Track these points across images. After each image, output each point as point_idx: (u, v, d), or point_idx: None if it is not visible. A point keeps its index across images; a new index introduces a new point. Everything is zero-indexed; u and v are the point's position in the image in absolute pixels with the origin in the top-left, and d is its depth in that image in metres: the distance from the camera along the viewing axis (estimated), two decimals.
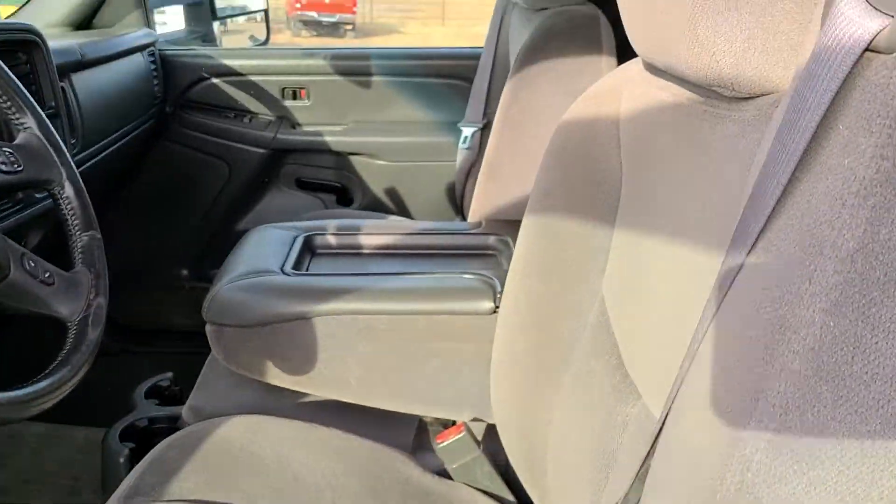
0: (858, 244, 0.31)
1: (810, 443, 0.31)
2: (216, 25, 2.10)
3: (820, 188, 0.33)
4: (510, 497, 0.93)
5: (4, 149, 0.73)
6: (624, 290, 0.63)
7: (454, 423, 1.01)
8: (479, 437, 0.99)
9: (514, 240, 0.79)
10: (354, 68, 1.80)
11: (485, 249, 1.24)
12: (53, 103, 1.18)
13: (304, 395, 1.07)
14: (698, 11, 0.45)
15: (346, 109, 1.81)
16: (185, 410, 1.07)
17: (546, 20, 1.23)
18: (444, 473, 0.92)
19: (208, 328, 1.04)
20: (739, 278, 0.38)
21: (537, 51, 1.21)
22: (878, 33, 0.31)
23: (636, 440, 0.57)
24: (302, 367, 1.02)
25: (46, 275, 0.71)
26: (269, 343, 1.01)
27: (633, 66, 0.68)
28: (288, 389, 1.05)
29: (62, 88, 1.22)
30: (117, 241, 1.44)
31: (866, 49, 0.32)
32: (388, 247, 1.24)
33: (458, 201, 1.65)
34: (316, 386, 1.04)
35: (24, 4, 1.56)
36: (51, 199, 0.80)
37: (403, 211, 1.85)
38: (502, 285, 0.90)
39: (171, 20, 2.02)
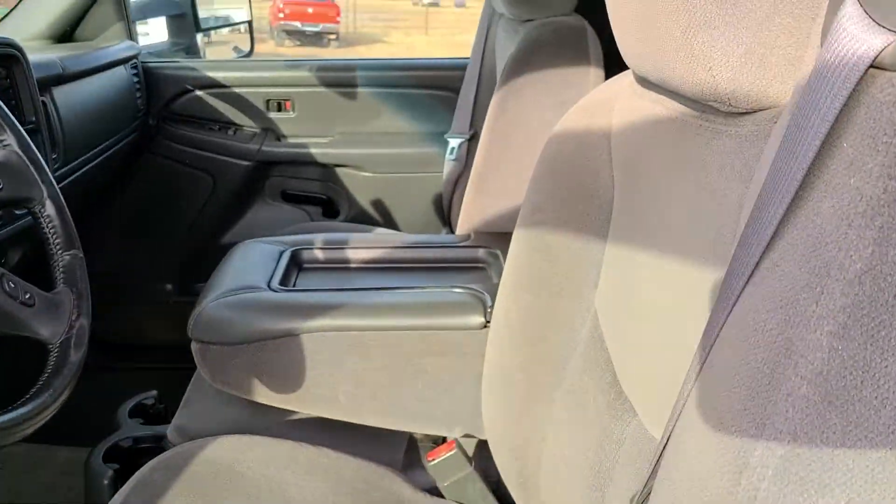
0: (866, 265, 0.30)
1: (819, 470, 0.30)
2: (199, 37, 2.08)
3: (825, 207, 0.32)
4: None
5: None
6: (618, 305, 0.62)
7: (445, 439, 1.00)
8: (471, 454, 0.98)
9: (504, 252, 0.78)
10: (340, 80, 1.79)
11: (474, 262, 1.24)
12: (34, 118, 1.17)
13: (293, 413, 1.06)
14: (694, 26, 0.44)
15: (332, 121, 1.80)
16: (170, 430, 1.05)
17: (533, 31, 1.22)
18: (435, 491, 0.91)
19: (194, 346, 1.02)
20: (743, 299, 0.37)
21: (524, 62, 1.21)
22: (882, 50, 0.31)
23: (633, 459, 0.57)
24: (290, 385, 1.00)
25: (27, 296, 0.69)
26: (257, 361, 1.00)
27: (624, 78, 0.67)
28: (275, 407, 1.03)
29: (43, 103, 1.20)
30: (100, 255, 1.42)
31: (870, 66, 0.31)
32: (376, 261, 1.23)
33: (445, 212, 1.65)
34: (304, 404, 1.02)
35: (3, 17, 1.54)
36: (31, 217, 0.78)
37: (390, 223, 1.84)
38: (493, 299, 0.89)
39: (153, 32, 2.01)
